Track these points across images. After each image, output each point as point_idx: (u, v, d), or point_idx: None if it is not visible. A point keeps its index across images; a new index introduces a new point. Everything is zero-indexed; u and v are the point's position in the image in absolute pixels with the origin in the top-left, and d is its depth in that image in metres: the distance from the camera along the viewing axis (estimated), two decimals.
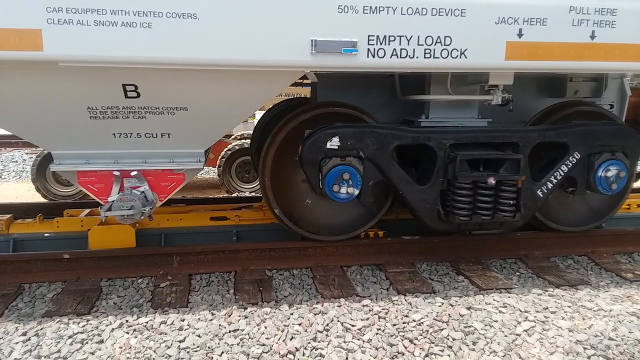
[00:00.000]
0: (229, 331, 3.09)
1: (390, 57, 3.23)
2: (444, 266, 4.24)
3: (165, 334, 3.09)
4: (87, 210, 4.96)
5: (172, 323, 3.21)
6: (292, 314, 3.33)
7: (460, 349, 2.93)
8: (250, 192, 7.24)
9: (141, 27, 2.95)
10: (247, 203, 5.35)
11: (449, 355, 2.87)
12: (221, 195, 6.83)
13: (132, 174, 3.72)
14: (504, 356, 2.88)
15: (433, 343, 2.98)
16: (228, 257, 4.09)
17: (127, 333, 3.10)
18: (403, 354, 2.88)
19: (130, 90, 3.35)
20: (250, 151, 6.07)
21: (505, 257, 4.41)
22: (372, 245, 4.26)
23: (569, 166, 4.08)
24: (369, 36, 3.19)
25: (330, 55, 3.16)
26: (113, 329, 3.14)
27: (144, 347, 2.94)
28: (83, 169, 3.72)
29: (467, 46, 3.29)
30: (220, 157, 7.42)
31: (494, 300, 3.56)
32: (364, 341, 3.00)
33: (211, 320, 3.24)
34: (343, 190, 3.74)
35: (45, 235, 4.55)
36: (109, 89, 3.31)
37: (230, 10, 3.02)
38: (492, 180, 3.80)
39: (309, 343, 2.97)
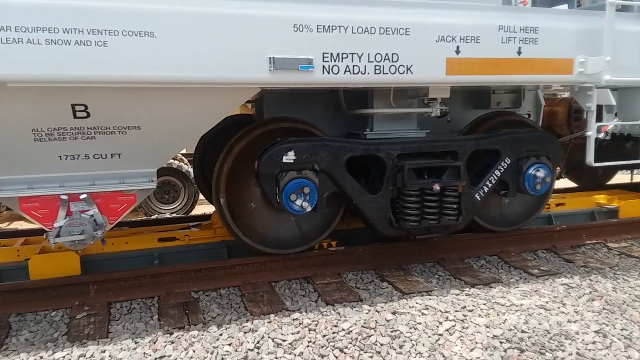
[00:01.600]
0: (155, 359, 3.01)
1: (344, 73, 3.39)
2: (369, 274, 4.36)
3: None
4: (21, 239, 4.64)
5: (91, 356, 3.07)
6: (221, 334, 3.28)
7: (388, 354, 3.02)
8: (171, 214, 7.04)
9: (96, 45, 2.88)
10: (195, 222, 5.25)
11: None
12: (168, 216, 6.65)
13: (81, 197, 3.56)
14: (428, 357, 2.99)
15: (362, 350, 3.05)
16: (150, 282, 3.95)
17: None
18: None
19: (80, 110, 3.24)
20: (176, 171, 6.02)
21: (424, 262, 4.60)
22: (299, 259, 4.30)
23: (501, 171, 4.45)
24: (323, 53, 3.33)
25: (288, 72, 3.26)
26: None
27: None
28: (26, 195, 3.51)
29: (412, 62, 3.53)
30: None
31: (416, 303, 3.69)
32: (295, 355, 3.01)
33: (135, 348, 3.13)
34: (300, 203, 3.82)
35: None
36: (57, 109, 3.18)
37: (189, 29, 3.03)
38: (437, 187, 4.06)
39: None
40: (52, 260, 4.14)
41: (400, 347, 3.09)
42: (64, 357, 3.06)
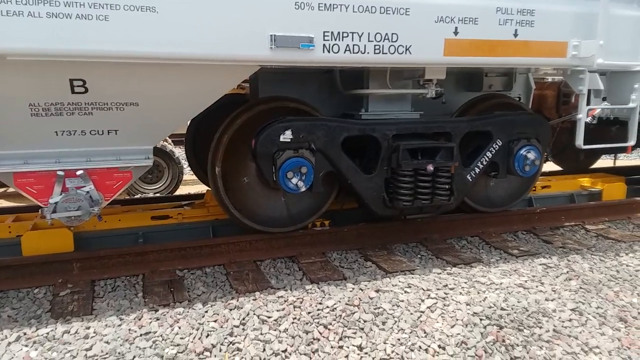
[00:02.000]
0: (140, 335, 3.00)
1: (344, 52, 3.41)
2: (353, 254, 4.41)
3: (70, 343, 2.94)
4: (12, 216, 4.60)
5: (76, 332, 3.06)
6: (206, 311, 3.29)
7: (371, 330, 3.08)
8: (155, 193, 7.02)
9: (97, 19, 2.85)
10: (187, 201, 5.25)
11: (361, 337, 3.01)
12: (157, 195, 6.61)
13: (78, 173, 3.54)
14: (410, 332, 3.06)
15: (346, 327, 3.11)
16: (135, 260, 3.95)
17: (26, 346, 2.92)
18: (318, 340, 2.98)
19: (78, 86, 3.21)
20: (160, 151, 5.98)
21: (407, 242, 4.67)
22: (284, 238, 4.33)
23: (493, 152, 4.54)
24: (324, 32, 3.33)
25: (289, 50, 3.26)
26: (10, 343, 2.95)
27: (45, 358, 2.80)
28: (21, 170, 3.47)
29: (411, 42, 3.56)
30: None
31: (399, 281, 3.75)
32: (280, 331, 3.05)
33: (120, 325, 3.14)
34: (296, 182, 3.85)
35: None
36: (55, 84, 3.15)
37: (191, 4, 3.01)
38: (430, 167, 4.13)
39: (226, 339, 2.96)
40: (45, 237, 4.12)
41: (383, 323, 3.15)
42: (47, 333, 3.05)
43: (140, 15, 2.92)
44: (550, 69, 4.95)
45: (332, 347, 2.90)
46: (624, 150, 4.99)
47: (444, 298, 3.50)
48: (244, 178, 4.37)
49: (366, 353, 2.87)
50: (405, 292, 3.58)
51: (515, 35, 3.84)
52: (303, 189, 3.89)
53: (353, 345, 2.92)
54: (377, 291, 3.56)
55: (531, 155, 4.57)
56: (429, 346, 2.93)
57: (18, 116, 3.24)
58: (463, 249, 4.61)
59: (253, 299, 3.45)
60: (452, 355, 2.85)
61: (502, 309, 3.35)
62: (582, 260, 4.29)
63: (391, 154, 4.13)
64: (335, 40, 3.37)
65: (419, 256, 4.43)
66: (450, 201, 4.32)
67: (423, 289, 3.61)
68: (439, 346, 2.93)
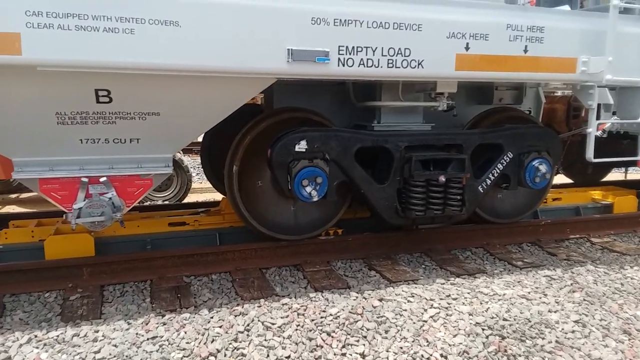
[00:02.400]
0: (147, 339, 3.05)
1: (359, 66, 3.53)
2: (358, 263, 4.46)
3: (79, 346, 2.99)
4: (35, 221, 4.75)
5: (85, 335, 3.11)
6: (212, 317, 3.34)
7: (374, 338, 3.09)
8: (163, 201, 7.12)
9: (124, 33, 2.99)
10: (203, 208, 5.37)
11: (364, 345, 3.03)
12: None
13: (101, 179, 3.68)
14: (413, 341, 3.07)
15: (349, 334, 3.13)
16: (142, 266, 4.02)
17: (37, 348, 2.97)
18: (322, 347, 3.00)
19: (103, 95, 3.35)
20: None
21: (411, 252, 4.70)
22: (289, 246, 4.39)
23: (504, 164, 4.61)
24: (339, 46, 3.46)
25: (305, 63, 3.39)
26: (21, 345, 3.00)
27: None
28: (46, 176, 3.62)
29: (423, 57, 3.67)
30: None
31: (402, 291, 3.77)
32: (284, 338, 3.07)
33: (127, 329, 3.19)
34: (311, 191, 3.95)
35: None
36: (81, 93, 3.29)
37: (212, 19, 3.15)
38: (442, 178, 4.21)
39: (230, 344, 3.00)
40: (67, 241, 4.25)
41: (386, 332, 3.17)
42: (58, 336, 3.10)
43: (164, 29, 3.07)
44: (560, 83, 5.01)
45: (334, 355, 2.93)
46: (633, 164, 5.03)
47: (446, 308, 3.51)
48: (259, 182, 4.47)
49: None
50: (409, 301, 3.61)
51: (525, 51, 3.94)
52: (317, 198, 3.98)
53: (356, 353, 2.95)
54: (380, 300, 3.58)
55: (542, 168, 4.64)
56: (431, 355, 2.94)
57: (45, 124, 3.39)
58: (467, 260, 4.63)
59: (258, 306, 3.50)
60: None
61: (504, 319, 3.36)
62: (587, 272, 4.30)
63: (404, 164, 4.23)
64: (350, 54, 3.49)
65: (423, 266, 4.47)
66: (462, 212, 4.39)
67: (426, 299, 3.64)
68: (441, 355, 2.95)
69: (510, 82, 4.91)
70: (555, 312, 3.51)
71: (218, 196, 7.57)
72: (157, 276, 4.00)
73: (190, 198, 7.54)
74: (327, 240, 4.53)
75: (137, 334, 3.12)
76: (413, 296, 3.69)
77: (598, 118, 4.47)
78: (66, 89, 3.24)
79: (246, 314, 3.37)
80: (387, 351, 2.97)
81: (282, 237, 4.46)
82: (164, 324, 3.26)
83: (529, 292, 3.82)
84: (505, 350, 3.00)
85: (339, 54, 3.46)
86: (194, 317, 3.35)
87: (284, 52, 3.33)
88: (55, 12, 2.85)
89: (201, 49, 3.16)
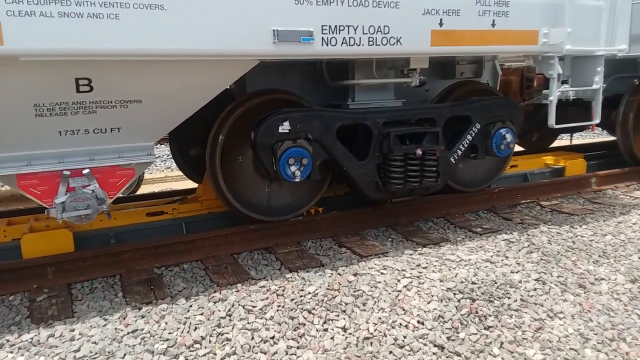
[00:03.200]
0: (127, 333, 3.01)
1: (341, 44, 3.58)
2: (327, 241, 4.52)
3: (56, 346, 2.91)
4: (5, 220, 4.53)
5: (61, 335, 3.03)
6: (191, 306, 3.33)
7: (353, 312, 3.19)
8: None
9: (108, 18, 2.90)
10: (179, 196, 5.30)
11: (344, 319, 3.12)
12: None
13: (84, 172, 3.57)
14: (390, 311, 3.19)
15: (329, 310, 3.21)
16: (110, 261, 3.93)
17: (12, 352, 2.87)
18: (304, 325, 3.07)
19: (83, 85, 3.24)
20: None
21: (378, 227, 4.82)
22: (259, 230, 4.40)
23: (472, 135, 4.84)
24: (322, 26, 3.50)
25: (290, 44, 3.41)
26: None
27: None
28: (24, 172, 3.47)
29: (401, 34, 3.78)
30: None
31: (374, 264, 3.87)
32: (266, 319, 3.12)
33: (105, 325, 3.13)
34: (295, 171, 4.01)
35: None
36: (60, 83, 3.17)
37: (198, 2, 3.10)
38: (419, 151, 4.38)
39: (214, 330, 3.01)
40: (44, 239, 4.10)
41: (364, 304, 3.27)
42: (32, 338, 3.00)
43: (150, 13, 2.99)
44: (521, 55, 5.27)
45: (317, 331, 3.01)
46: (587, 128, 5.40)
47: (418, 277, 3.64)
48: (239, 157, 4.47)
49: (350, 333, 2.99)
50: (382, 273, 3.70)
51: (493, 25, 4.13)
52: (302, 178, 4.04)
53: (337, 327, 3.04)
54: (354, 275, 3.67)
55: (507, 137, 4.90)
56: (408, 322, 3.07)
57: (23, 117, 3.24)
58: (430, 230, 4.79)
59: (236, 291, 3.50)
60: (430, 329, 3.01)
61: (473, 282, 3.52)
62: (541, 234, 4.55)
63: (382, 140, 4.35)
64: (333, 33, 3.54)
65: (390, 239, 4.59)
66: (438, 182, 4.59)
67: (398, 270, 3.75)
68: (418, 322, 3.08)
69: (476, 56, 5.11)
70: (517, 272, 3.71)
71: (175, 185, 7.44)
72: (125, 270, 3.91)
73: (144, 189, 7.30)
74: (297, 221, 4.57)
75: (116, 329, 3.07)
76: (385, 268, 3.80)
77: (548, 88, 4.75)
78: (45, 79, 3.10)
79: (225, 300, 3.38)
80: (367, 322, 3.08)
81: (261, 218, 4.50)
82: (142, 316, 3.21)
83: (491, 256, 4.02)
84: (477, 312, 3.17)
85: (322, 33, 3.50)
86: (172, 307, 3.32)
87: (270, 33, 3.34)
88: None
89: (188, 33, 3.11)
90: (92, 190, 3.65)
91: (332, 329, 3.04)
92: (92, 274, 3.86)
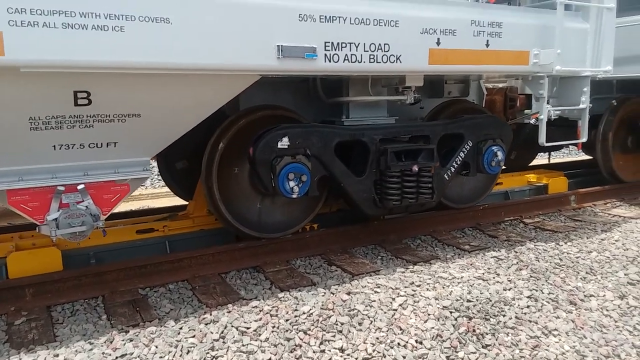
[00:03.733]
0: (116, 357, 2.88)
1: (343, 61, 3.60)
2: (316, 259, 4.46)
3: None
4: None
5: None
6: (181, 328, 3.21)
7: (350, 332, 3.11)
8: None
9: (113, 30, 2.84)
10: (169, 213, 5.19)
11: (341, 339, 3.04)
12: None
13: (79, 187, 3.45)
14: (387, 330, 3.13)
15: (325, 330, 3.12)
16: (92, 281, 3.79)
17: None
18: (300, 346, 2.97)
19: (82, 98, 3.15)
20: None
21: (366, 244, 4.79)
22: (247, 248, 4.32)
23: (465, 152, 4.90)
24: (325, 42, 3.51)
25: (294, 59, 3.41)
26: None
27: None
28: (15, 187, 3.34)
29: (401, 52, 3.82)
30: None
31: (367, 282, 3.82)
32: (261, 341, 3.02)
33: (91, 350, 2.98)
34: (293, 187, 3.97)
35: None
36: (58, 96, 3.08)
37: (203, 16, 3.08)
38: (416, 168, 4.41)
39: (207, 353, 2.90)
40: (32, 257, 3.94)
41: (360, 324, 3.20)
42: None
43: (155, 27, 2.95)
44: (512, 75, 5.40)
45: (314, 352, 2.93)
46: (575, 145, 5.54)
47: (412, 295, 3.60)
48: (235, 169, 4.42)
49: (348, 354, 2.91)
50: (376, 292, 3.65)
51: (487, 45, 4.22)
52: (301, 194, 4.01)
53: (335, 348, 2.96)
54: (348, 294, 3.60)
55: (497, 154, 4.99)
56: (407, 342, 3.02)
57: (17, 131, 3.13)
58: (419, 248, 4.78)
59: (227, 312, 3.40)
60: (429, 349, 2.96)
61: (468, 300, 3.50)
62: (528, 251, 4.57)
63: (379, 157, 4.36)
64: (335, 50, 3.56)
65: (380, 257, 4.56)
66: (433, 199, 4.61)
67: (392, 288, 3.70)
68: (416, 341, 3.04)
69: (465, 75, 5.21)
70: (509, 289, 3.72)
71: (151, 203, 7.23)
72: (109, 291, 3.76)
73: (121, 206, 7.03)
74: (285, 239, 4.50)
75: (103, 353, 2.92)
76: (379, 287, 3.75)
77: (530, 108, 4.84)
78: (43, 91, 3.01)
79: (217, 321, 3.26)
80: (365, 343, 3.01)
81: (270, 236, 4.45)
82: (131, 339, 3.07)
83: (483, 273, 4.02)
84: (474, 330, 3.15)
85: (325, 49, 3.52)
86: (161, 330, 3.18)
87: (274, 49, 3.33)
88: (40, 10, 2.64)
89: (192, 47, 3.08)
90: (86, 207, 3.54)
91: (330, 350, 2.95)
92: (74, 296, 3.70)
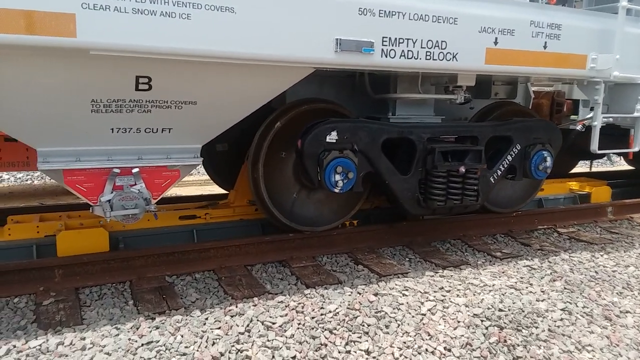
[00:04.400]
0: (142, 344, 2.85)
1: (400, 57, 3.57)
2: (343, 257, 4.42)
3: (67, 355, 2.75)
4: (37, 216, 4.46)
5: (71, 343, 2.87)
6: (207, 318, 3.19)
7: (376, 334, 3.06)
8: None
9: (180, 18, 2.87)
10: (209, 201, 5.25)
11: (367, 341, 2.99)
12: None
13: (134, 170, 3.52)
14: (415, 335, 3.06)
15: (351, 331, 3.07)
16: (120, 266, 3.79)
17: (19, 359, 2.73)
18: (326, 345, 2.93)
19: (143, 83, 3.20)
20: None
21: (393, 245, 4.71)
22: (274, 242, 4.28)
23: (512, 156, 4.81)
24: (383, 37, 3.48)
25: (351, 53, 3.39)
26: (0, 357, 2.73)
27: None
28: (73, 167, 3.41)
29: (458, 50, 3.77)
30: None
31: (395, 285, 3.76)
32: (287, 337, 2.98)
33: (117, 335, 2.97)
34: (339, 181, 3.97)
35: None
36: (122, 80, 3.13)
37: (266, 7, 3.08)
38: (462, 169, 4.35)
39: (233, 346, 2.86)
40: (81, 236, 4.04)
41: (387, 327, 3.15)
42: (40, 345, 2.83)
43: (220, 16, 2.97)
44: (567, 79, 5.27)
45: (339, 352, 2.88)
46: (625, 155, 5.37)
47: (442, 300, 3.53)
48: (294, 194, 4.46)
49: (374, 357, 2.86)
50: (404, 295, 3.60)
51: (545, 47, 4.13)
52: (346, 189, 4.00)
53: (360, 350, 2.92)
54: (375, 295, 3.55)
55: (546, 159, 4.88)
56: (435, 348, 2.95)
57: (78, 112, 3.20)
58: (448, 252, 4.70)
59: (253, 305, 3.38)
60: (458, 357, 2.88)
61: (500, 309, 3.42)
62: (562, 261, 4.46)
63: (426, 156, 4.32)
64: (393, 45, 3.53)
65: (408, 259, 4.49)
66: (477, 202, 4.55)
67: (420, 292, 3.65)
68: (445, 348, 2.96)
69: (513, 76, 5.10)
70: (542, 301, 3.63)
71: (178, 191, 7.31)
72: (136, 276, 3.77)
73: None
74: (312, 235, 4.46)
75: (129, 339, 2.90)
76: (407, 290, 3.69)
77: (576, 113, 4.68)
78: (107, 75, 3.06)
79: (243, 314, 3.24)
80: (391, 346, 2.95)
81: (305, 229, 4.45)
82: (157, 327, 3.06)
83: (515, 282, 3.93)
84: (505, 341, 3.07)
85: (382, 45, 3.49)
86: (187, 319, 3.17)
87: (332, 42, 3.32)
88: None
89: (255, 37, 3.09)
90: (139, 190, 3.60)
91: (355, 352, 2.90)
92: (101, 279, 3.73)
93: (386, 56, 3.52)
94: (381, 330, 3.12)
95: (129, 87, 3.18)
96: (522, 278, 4.04)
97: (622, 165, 10.93)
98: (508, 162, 4.80)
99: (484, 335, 3.12)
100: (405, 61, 3.60)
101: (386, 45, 3.50)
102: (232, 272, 3.95)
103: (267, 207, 4.33)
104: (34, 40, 2.59)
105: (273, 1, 3.10)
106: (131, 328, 3.06)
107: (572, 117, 6.60)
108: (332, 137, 3.94)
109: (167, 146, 3.63)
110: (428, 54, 3.67)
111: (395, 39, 3.53)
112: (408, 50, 3.59)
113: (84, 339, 2.93)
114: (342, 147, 3.99)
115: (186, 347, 2.85)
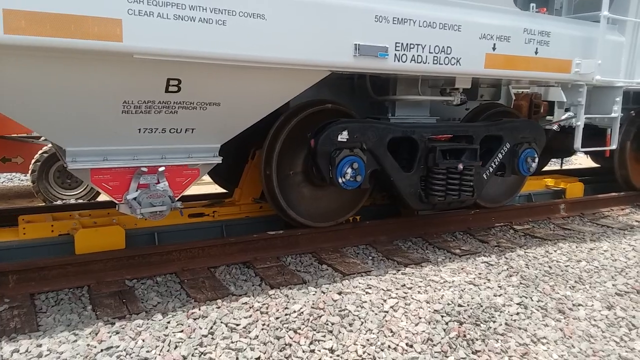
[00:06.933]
0: (101, 350, 2.79)
1: (410, 61, 3.83)
2: (307, 257, 4.42)
3: None
4: (49, 215, 4.50)
5: (27, 350, 2.78)
6: (169, 322, 3.14)
7: (340, 332, 3.07)
8: (76, 199, 6.67)
9: (217, 24, 3.04)
10: (213, 200, 5.37)
11: (331, 340, 3.00)
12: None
13: (160, 169, 3.64)
14: (378, 332, 3.09)
15: (315, 330, 3.08)
16: (77, 271, 3.70)
17: None
18: (290, 345, 2.93)
19: (173, 85, 3.34)
20: None
21: (357, 244, 4.76)
22: (238, 243, 4.27)
23: (503, 154, 5.15)
24: (396, 43, 3.74)
25: (368, 58, 3.63)
26: None
27: None
28: (100, 166, 3.52)
29: (461, 55, 4.06)
30: (33, 161, 6.58)
31: (359, 283, 3.78)
32: (251, 338, 2.97)
33: (75, 341, 2.89)
34: (350, 178, 4.19)
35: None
36: (154, 82, 3.26)
37: (294, 14, 3.29)
38: (461, 166, 4.65)
39: (196, 349, 2.84)
40: (98, 235, 4.11)
41: (350, 325, 3.17)
42: None
43: (252, 22, 3.15)
44: (553, 82, 5.65)
45: (304, 352, 2.89)
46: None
47: (404, 297, 3.57)
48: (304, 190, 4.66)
49: (338, 355, 2.89)
50: (367, 293, 3.63)
51: (536, 52, 4.48)
52: (355, 186, 4.23)
53: (324, 349, 2.93)
54: (339, 293, 3.57)
55: (532, 157, 5.24)
56: (397, 345, 2.99)
57: (110, 113, 3.31)
58: (410, 250, 4.76)
59: (217, 307, 3.35)
60: (420, 353, 2.94)
61: (459, 305, 3.48)
62: (518, 257, 4.56)
63: (427, 154, 4.59)
64: (404, 50, 3.78)
65: (371, 257, 4.54)
66: (473, 196, 4.86)
67: (383, 289, 3.67)
68: (407, 344, 3.01)
69: (527, 79, 5.40)
70: (500, 295, 3.71)
71: None
72: (95, 281, 3.67)
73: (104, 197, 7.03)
74: (276, 236, 4.45)
75: (88, 345, 2.83)
76: (370, 287, 3.72)
77: (552, 115, 5.06)
78: (141, 77, 3.19)
79: (206, 317, 3.21)
80: (355, 344, 2.98)
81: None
82: (117, 332, 2.99)
83: (474, 278, 4.00)
84: (465, 335, 3.13)
85: (395, 49, 3.74)
86: (148, 323, 3.11)
87: (352, 47, 3.55)
88: (156, 1, 2.83)
89: (283, 42, 3.28)
90: (163, 188, 3.73)
91: (320, 350, 2.92)
92: (58, 285, 3.61)
93: (399, 60, 3.77)
94: (345, 328, 3.13)
95: (160, 89, 3.32)
96: (480, 274, 4.12)
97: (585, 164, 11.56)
98: (499, 160, 5.13)
99: (444, 330, 3.17)
100: (415, 65, 3.86)
101: (399, 50, 3.76)
102: (195, 275, 3.89)
103: (278, 203, 4.51)
104: (84, 45, 2.71)
105: (300, 9, 3.30)
106: (90, 333, 2.98)
107: (548, 117, 7.03)
108: (344, 136, 4.16)
109: (189, 145, 3.77)
110: (435, 58, 3.94)
111: (407, 44, 3.78)
112: (418, 55, 3.85)
113: (40, 345, 2.84)
114: (352, 145, 4.22)
115: (147, 351, 2.80)
